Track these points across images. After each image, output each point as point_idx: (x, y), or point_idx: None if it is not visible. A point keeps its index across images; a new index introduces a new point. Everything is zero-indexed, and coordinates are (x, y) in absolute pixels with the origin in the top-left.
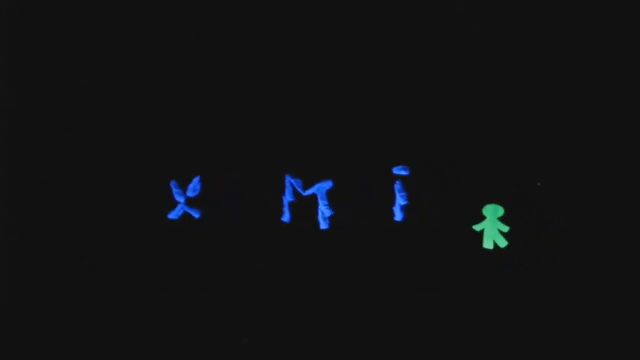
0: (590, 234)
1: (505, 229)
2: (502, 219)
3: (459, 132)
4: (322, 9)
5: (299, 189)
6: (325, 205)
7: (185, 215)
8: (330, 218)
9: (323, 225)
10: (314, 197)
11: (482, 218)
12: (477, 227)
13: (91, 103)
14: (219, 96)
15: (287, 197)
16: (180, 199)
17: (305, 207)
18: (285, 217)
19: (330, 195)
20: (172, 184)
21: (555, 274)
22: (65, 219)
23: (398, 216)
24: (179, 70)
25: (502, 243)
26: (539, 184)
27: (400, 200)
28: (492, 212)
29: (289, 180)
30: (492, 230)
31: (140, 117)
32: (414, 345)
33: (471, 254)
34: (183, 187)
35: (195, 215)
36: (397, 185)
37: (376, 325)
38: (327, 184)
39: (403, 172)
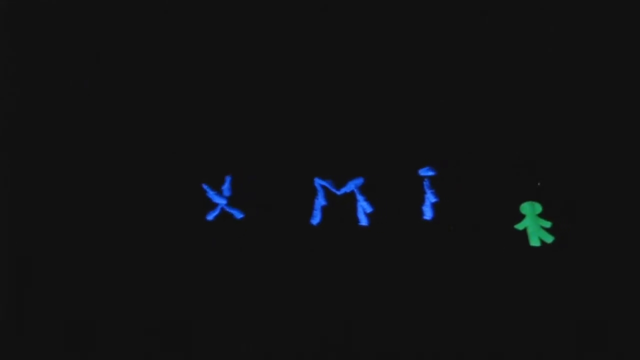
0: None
1: (548, 224)
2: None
3: (486, 131)
4: (354, 10)
5: (333, 189)
6: (365, 200)
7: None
8: (369, 215)
9: (363, 221)
10: (341, 199)
11: (517, 216)
12: (519, 226)
13: (99, 104)
14: (226, 97)
15: (320, 201)
16: (219, 201)
17: (334, 209)
18: (315, 220)
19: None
20: (205, 186)
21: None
22: (65, 219)
23: (428, 215)
24: (205, 71)
25: (548, 239)
26: (539, 184)
27: (430, 198)
28: (531, 209)
29: (318, 182)
30: (535, 227)
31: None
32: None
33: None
34: (218, 189)
35: (238, 216)
36: (426, 183)
37: (409, 323)
38: (359, 181)
39: (430, 173)
